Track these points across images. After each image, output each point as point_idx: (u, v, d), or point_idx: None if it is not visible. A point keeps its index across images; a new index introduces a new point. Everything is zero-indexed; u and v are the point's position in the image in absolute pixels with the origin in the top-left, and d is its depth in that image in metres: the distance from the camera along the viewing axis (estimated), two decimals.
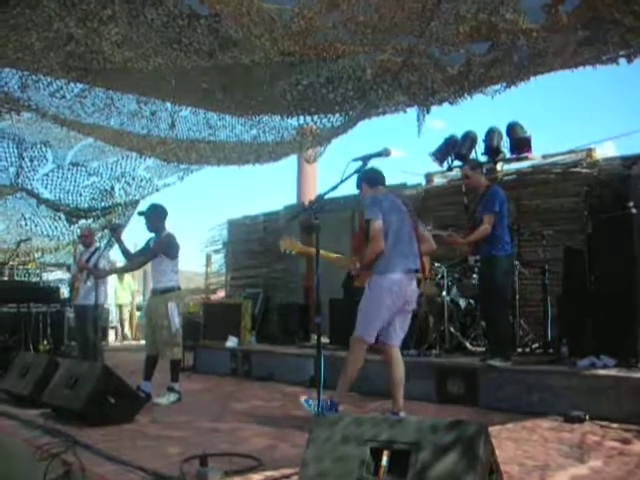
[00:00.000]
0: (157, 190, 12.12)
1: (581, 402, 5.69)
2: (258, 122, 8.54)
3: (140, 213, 7.70)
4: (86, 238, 9.81)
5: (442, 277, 8.49)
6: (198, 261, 36.57)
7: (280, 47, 6.53)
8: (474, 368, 6.72)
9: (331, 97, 7.47)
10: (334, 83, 7.33)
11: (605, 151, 9.66)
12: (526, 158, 9.83)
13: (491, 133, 9.74)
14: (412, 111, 7.58)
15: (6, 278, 13.66)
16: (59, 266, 15.24)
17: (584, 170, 9.36)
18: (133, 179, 12.10)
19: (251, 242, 14.57)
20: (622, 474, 3.88)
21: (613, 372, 5.94)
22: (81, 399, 5.44)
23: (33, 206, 12.72)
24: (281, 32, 6.20)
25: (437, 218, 10.06)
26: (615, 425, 5.22)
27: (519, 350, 7.91)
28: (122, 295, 18.06)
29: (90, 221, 12.87)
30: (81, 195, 12.39)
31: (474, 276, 8.64)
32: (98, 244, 10.47)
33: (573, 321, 7.01)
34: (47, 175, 11.96)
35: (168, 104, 8.42)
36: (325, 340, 8.95)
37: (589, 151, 9.61)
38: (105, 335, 16.77)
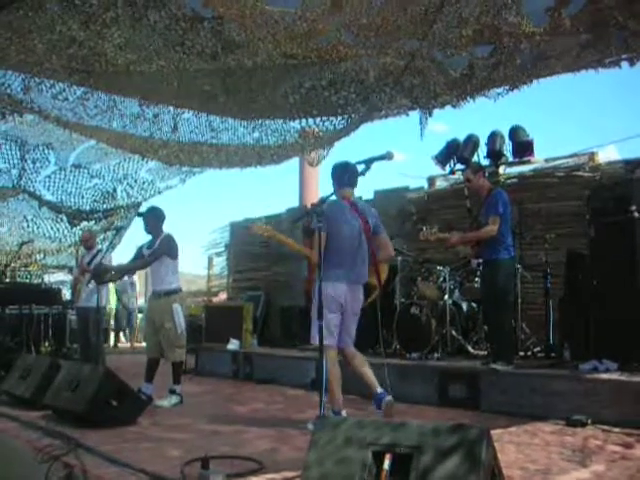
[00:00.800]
0: (159, 192, 12.15)
1: (583, 406, 5.67)
2: (260, 125, 8.54)
3: (139, 214, 7.76)
4: (87, 241, 9.83)
5: (444, 280, 8.50)
6: (200, 263, 36.59)
7: (283, 50, 6.53)
8: (476, 372, 6.71)
9: (333, 100, 7.47)
10: (337, 86, 7.33)
11: (608, 155, 9.66)
12: (528, 162, 9.82)
13: (493, 136, 9.74)
14: (414, 114, 7.57)
15: (8, 280, 13.66)
16: (61, 268, 15.25)
17: (586, 174, 9.37)
18: (135, 181, 12.13)
19: (253, 245, 14.57)
20: (624, 478, 3.87)
21: (615, 376, 5.93)
22: (83, 401, 5.44)
23: (35, 208, 12.77)
24: (284, 35, 6.20)
25: (440, 221, 10.07)
26: (617, 429, 5.21)
27: (521, 354, 7.91)
28: (111, 299, 18.04)
29: (92, 223, 12.90)
30: (83, 197, 12.43)
31: (476, 279, 8.65)
32: (100, 246, 10.49)
33: (575, 325, 7.00)
34: (49, 177, 12.00)
35: (171, 107, 8.43)
36: None
37: (591, 155, 9.61)
38: (107, 337, 16.81)
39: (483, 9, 5.63)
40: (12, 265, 13.92)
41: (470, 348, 8.30)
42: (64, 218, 12.86)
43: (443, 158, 10.25)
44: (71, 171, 12.06)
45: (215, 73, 7.15)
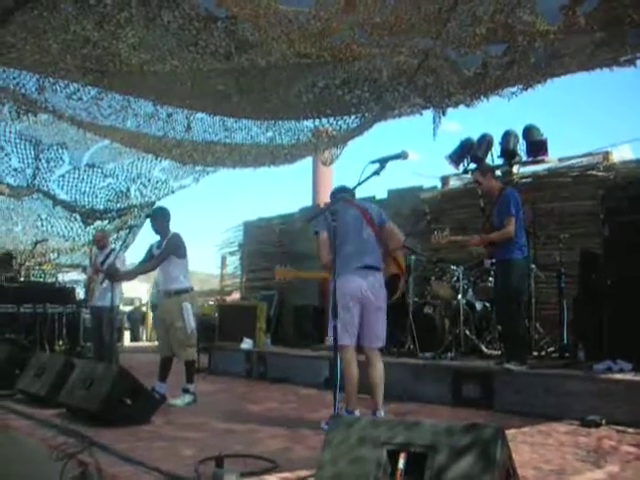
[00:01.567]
0: (173, 192, 12.21)
1: (597, 406, 5.63)
2: (274, 124, 8.56)
3: (147, 215, 7.79)
4: (99, 241, 9.86)
5: (458, 280, 8.48)
6: (213, 263, 36.67)
7: (296, 49, 6.54)
8: (490, 371, 6.69)
9: (347, 99, 7.47)
10: (350, 85, 7.33)
11: (622, 154, 9.61)
12: (542, 161, 9.79)
13: (507, 136, 9.71)
14: (428, 113, 7.56)
15: (22, 278, 13.74)
16: (74, 267, 15.33)
17: (600, 173, 9.32)
18: (149, 181, 12.19)
19: (266, 244, 14.59)
20: (639, 479, 3.85)
21: (630, 376, 5.89)
22: (97, 400, 5.46)
23: (49, 207, 12.84)
24: (297, 34, 6.21)
25: (453, 221, 10.06)
26: (631, 430, 5.17)
27: (535, 354, 7.86)
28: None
29: (106, 222, 12.96)
30: (97, 196, 12.50)
31: (490, 279, 8.62)
32: (113, 245, 10.53)
33: (589, 325, 6.96)
34: (63, 176, 12.08)
35: (184, 107, 8.46)
36: None
37: (606, 154, 9.56)
38: (120, 336, 16.84)
39: (497, 7, 5.61)
40: (26, 264, 14.01)
41: (484, 348, 8.26)
42: (78, 217, 12.92)
43: (457, 158, 10.23)
44: (85, 170, 12.13)
45: (229, 73, 7.17)
